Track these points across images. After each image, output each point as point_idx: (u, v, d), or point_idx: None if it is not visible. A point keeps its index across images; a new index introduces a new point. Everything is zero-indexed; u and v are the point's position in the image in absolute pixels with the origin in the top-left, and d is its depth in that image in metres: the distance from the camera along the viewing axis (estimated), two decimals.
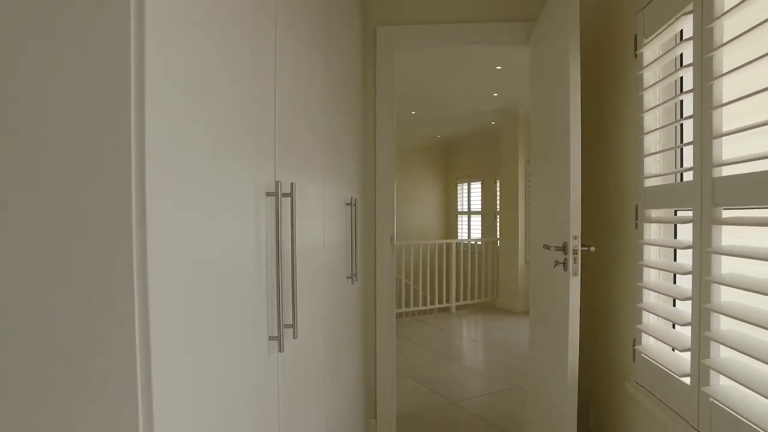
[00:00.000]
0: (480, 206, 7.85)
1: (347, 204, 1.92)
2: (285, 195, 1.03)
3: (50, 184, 0.52)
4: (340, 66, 1.82)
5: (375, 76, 2.52)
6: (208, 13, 0.69)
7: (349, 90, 2.03)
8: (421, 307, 5.92)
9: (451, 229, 8.71)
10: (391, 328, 2.56)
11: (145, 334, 0.53)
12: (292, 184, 1.02)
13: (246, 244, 0.86)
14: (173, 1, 0.59)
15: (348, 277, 1.91)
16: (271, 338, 0.98)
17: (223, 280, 0.75)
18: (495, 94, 5.30)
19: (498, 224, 6.79)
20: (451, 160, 8.67)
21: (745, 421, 1.06)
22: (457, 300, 6.18)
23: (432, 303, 6.03)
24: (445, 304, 6.10)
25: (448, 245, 6.26)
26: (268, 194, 0.97)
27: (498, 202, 6.85)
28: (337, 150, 1.74)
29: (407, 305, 5.94)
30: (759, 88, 1.02)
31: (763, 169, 1.02)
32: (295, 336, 1.05)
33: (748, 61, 1.05)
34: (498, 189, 6.79)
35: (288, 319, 1.05)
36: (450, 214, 8.79)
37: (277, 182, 0.96)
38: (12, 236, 0.52)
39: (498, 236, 6.60)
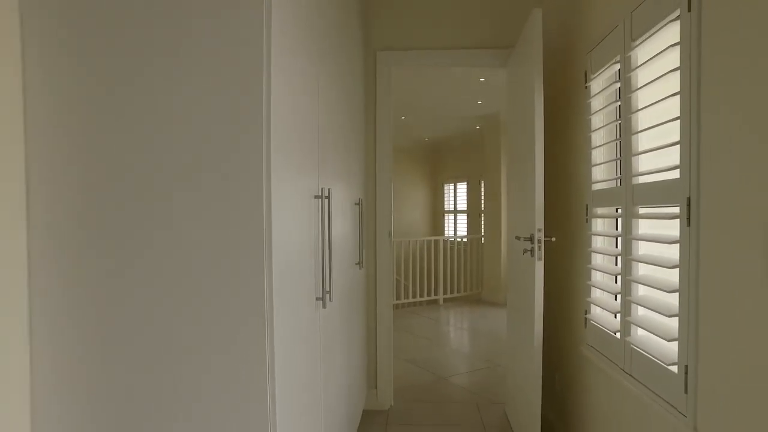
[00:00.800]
0: (465, 205, 8.31)
1: (356, 204, 2.33)
2: (325, 198, 1.44)
3: (218, 188, 0.94)
4: (352, 85, 2.23)
5: (375, 93, 2.94)
6: (290, 81, 1.11)
7: (356, 105, 2.44)
8: (411, 300, 6.35)
9: (438, 227, 9.16)
10: (389, 308, 2.99)
11: (270, 282, 0.95)
12: (329, 189, 1.44)
13: (305, 232, 1.27)
14: (280, 86, 1.01)
15: (357, 263, 2.32)
16: (317, 299, 1.40)
17: (297, 253, 1.17)
18: (479, 102, 5.74)
19: (482, 222, 7.24)
20: (438, 162, 9.12)
21: (651, 357, 1.50)
22: (445, 293, 6.61)
23: (421, 296, 6.46)
24: (433, 297, 6.53)
25: (436, 242, 6.70)
26: (315, 197, 1.39)
27: (482, 201, 7.30)
28: (348, 158, 2.15)
29: (398, 298, 6.35)
30: (658, 122, 1.46)
31: (662, 179, 1.46)
32: (330, 300, 1.47)
33: (651, 103, 1.49)
34: (482, 189, 7.25)
35: (327, 288, 1.47)
36: (437, 213, 9.23)
37: (321, 189, 1.38)
38: (204, 215, 0.94)
39: (482, 234, 7.06)
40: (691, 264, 1.29)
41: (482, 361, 4.00)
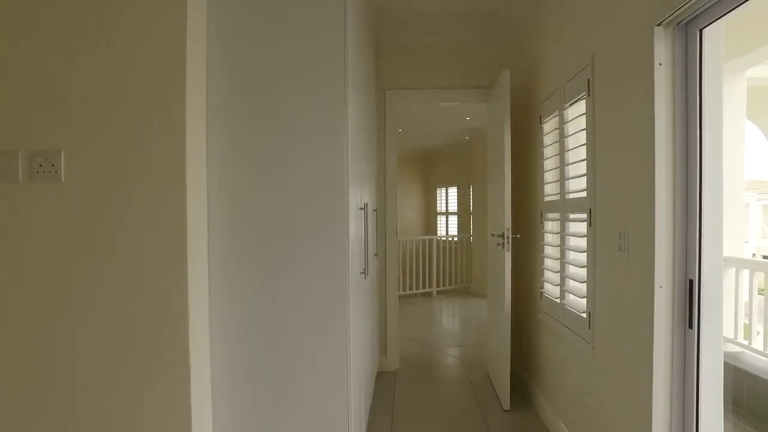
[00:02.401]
0: (456, 207, 9.16)
1: (375, 210, 3.15)
2: (364, 209, 2.26)
3: (321, 203, 1.76)
4: (369, 116, 3.04)
5: (385, 123, 3.75)
6: (353, 136, 1.94)
7: (372, 131, 3.25)
8: (408, 292, 7.17)
9: (431, 227, 10.00)
10: (395, 290, 3.82)
11: (347, 260, 1.78)
12: (366, 203, 2.25)
13: (355, 231, 2.09)
14: (350, 141, 1.84)
15: (375, 254, 3.14)
16: (361, 272, 2.22)
17: (355, 243, 1.99)
18: (467, 118, 6.58)
19: (471, 223, 8.08)
20: (431, 168, 9.97)
21: (574, 311, 2.33)
22: (438, 286, 7.45)
23: (416, 288, 7.29)
24: (427, 289, 7.37)
25: (430, 240, 7.54)
26: (360, 209, 2.20)
27: (471, 204, 8.14)
28: (370, 173, 2.96)
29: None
30: (577, 160, 2.29)
31: (578, 197, 2.29)
32: (367, 275, 2.29)
33: (574, 147, 2.32)
34: (471, 193, 8.09)
35: (365, 267, 2.28)
36: (430, 214, 10.07)
37: (363, 203, 2.20)
38: (304, 220, 1.76)
39: (471, 233, 7.90)
40: (589, 249, 2.13)
41: (469, 338, 4.84)
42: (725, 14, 1.43)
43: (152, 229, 1.65)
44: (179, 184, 1.65)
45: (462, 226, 8.96)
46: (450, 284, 7.62)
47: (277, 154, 1.80)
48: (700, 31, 1.55)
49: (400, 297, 7.23)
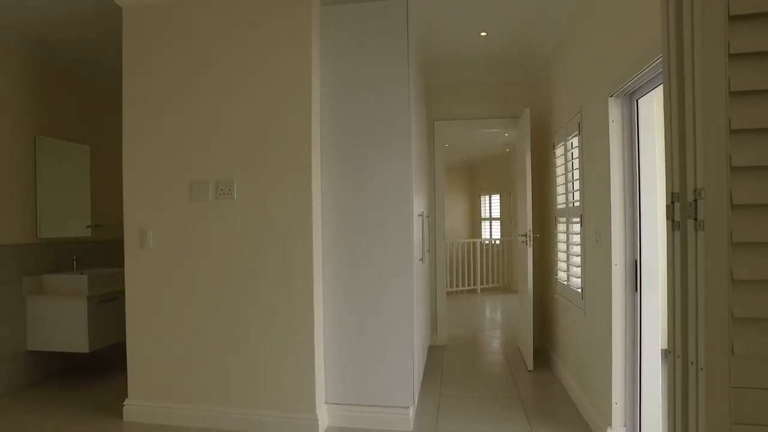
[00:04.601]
0: (499, 214, 9.97)
1: (427, 216, 4.12)
2: (420, 216, 3.23)
3: (394, 212, 2.76)
4: (423, 142, 4.02)
5: (434, 147, 4.72)
6: (416, 157, 2.93)
7: (425, 153, 4.23)
8: (454, 289, 8.07)
9: (476, 231, 10.85)
10: (444, 280, 4.75)
11: (412, 251, 2.77)
12: (423, 211, 3.24)
13: (416, 231, 3.08)
14: (415, 159, 2.84)
15: (427, 250, 4.11)
16: (419, 259, 3.19)
17: (416, 239, 2.98)
18: (506, 134, 7.43)
19: (512, 227, 8.88)
20: (475, 178, 10.84)
21: (574, 289, 3.20)
22: (481, 284, 8.31)
23: (462, 285, 8.17)
24: (472, 287, 8.24)
25: (474, 243, 8.41)
26: (418, 216, 3.18)
27: (511, 210, 8.95)
28: (424, 187, 3.93)
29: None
30: (575, 179, 3.17)
31: (576, 206, 3.17)
32: (423, 261, 3.26)
33: (575, 169, 3.21)
34: (511, 201, 8.89)
35: (422, 255, 3.26)
36: (475, 220, 10.93)
37: (421, 211, 3.19)
38: (383, 222, 2.77)
39: (512, 237, 8.70)
40: (581, 244, 3.01)
41: (506, 325, 5.71)
42: (651, 90, 2.30)
43: (291, 228, 2.70)
44: (307, 199, 2.70)
45: (504, 231, 9.77)
46: (493, 282, 8.46)
47: (365, 174, 2.81)
48: (637, 101, 2.43)
49: (448, 293, 8.18)
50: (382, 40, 2.82)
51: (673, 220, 1.07)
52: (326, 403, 2.87)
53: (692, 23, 0.99)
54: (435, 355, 4.38)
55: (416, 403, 3.01)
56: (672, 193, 1.07)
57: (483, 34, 3.69)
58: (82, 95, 4.27)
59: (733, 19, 0.94)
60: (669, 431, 1.09)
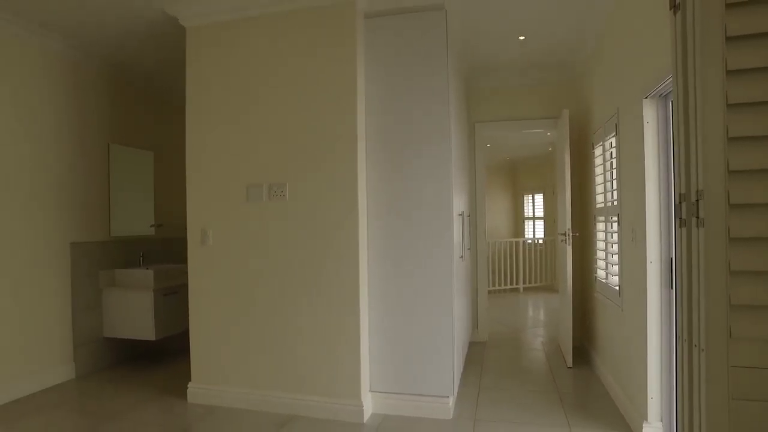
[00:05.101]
0: (542, 213, 9.92)
1: (468, 216, 4.26)
2: (461, 215, 3.37)
3: (429, 199, 2.93)
4: (463, 142, 4.16)
5: (474, 150, 4.84)
6: (456, 157, 3.08)
7: (465, 154, 4.36)
8: (497, 288, 8.12)
9: (519, 230, 10.81)
10: (485, 278, 4.86)
11: (452, 250, 2.93)
12: (463, 211, 3.38)
13: (456, 229, 3.22)
14: (454, 160, 2.99)
15: (468, 248, 4.24)
16: (460, 257, 3.34)
17: (458, 240, 3.13)
18: (548, 134, 7.42)
19: (555, 227, 8.83)
20: (518, 177, 10.80)
21: (612, 287, 3.26)
22: (524, 283, 8.32)
23: (505, 285, 8.21)
24: (514, 286, 8.27)
25: (516, 243, 8.43)
26: (458, 215, 3.33)
27: (554, 210, 8.90)
28: (465, 187, 4.07)
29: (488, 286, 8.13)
30: (614, 179, 3.23)
31: (614, 205, 3.23)
32: (463, 259, 3.41)
33: (613, 168, 3.27)
34: (556, 200, 8.85)
35: (462, 253, 3.40)
36: (518, 219, 10.89)
37: (461, 211, 3.33)
38: (426, 223, 2.93)
39: (555, 236, 8.64)
40: (618, 242, 3.08)
41: (547, 323, 5.74)
42: None
43: (338, 225, 2.92)
44: (353, 199, 2.90)
45: (548, 230, 9.71)
46: (536, 282, 8.45)
47: (407, 175, 2.99)
48: (671, 102, 2.49)
49: (490, 292, 8.23)
50: (423, 47, 2.99)
51: (680, 218, 1.19)
52: (371, 391, 3.07)
53: (694, 44, 1.11)
54: (476, 351, 4.51)
55: (456, 393, 3.16)
56: (679, 194, 1.19)
57: (521, 38, 3.79)
58: (147, 105, 4.66)
59: (730, 39, 1.06)
60: (678, 407, 1.21)
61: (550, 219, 9.57)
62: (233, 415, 3.03)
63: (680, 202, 1.20)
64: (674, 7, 1.20)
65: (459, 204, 3.46)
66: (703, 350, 1.09)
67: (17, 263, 3.36)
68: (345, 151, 2.94)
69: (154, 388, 3.55)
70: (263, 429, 2.83)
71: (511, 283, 8.28)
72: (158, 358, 4.34)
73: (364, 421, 2.91)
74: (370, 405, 3.04)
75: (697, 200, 1.11)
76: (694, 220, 1.13)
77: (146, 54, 3.93)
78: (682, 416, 1.19)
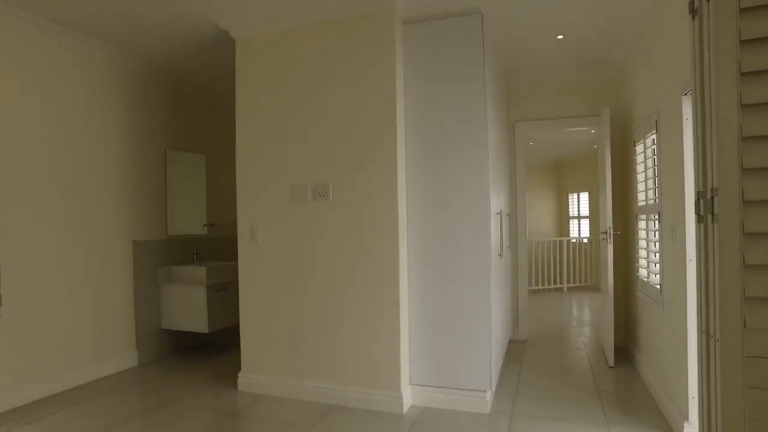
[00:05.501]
0: (588, 212, 9.72)
1: (507, 215, 4.29)
2: (499, 214, 3.43)
3: (466, 198, 3.01)
4: (502, 140, 4.20)
5: (515, 148, 4.86)
6: (493, 155, 3.15)
7: (505, 153, 4.40)
8: (540, 287, 8.05)
9: (563, 229, 10.63)
10: (525, 276, 4.87)
11: (489, 247, 3.00)
12: (501, 209, 3.43)
13: (494, 227, 3.29)
14: (492, 160, 3.06)
15: (508, 247, 4.28)
16: (499, 255, 3.40)
17: (496, 238, 3.20)
18: (592, 131, 7.29)
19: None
20: (562, 175, 10.62)
21: (654, 285, 3.24)
22: (568, 282, 8.20)
23: (548, 284, 8.12)
24: (558, 285, 8.16)
25: (560, 242, 8.31)
26: (496, 214, 3.39)
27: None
28: (505, 187, 4.11)
29: (530, 285, 8.06)
30: (655, 176, 3.20)
31: (655, 203, 3.20)
32: (501, 257, 3.46)
33: (653, 166, 3.24)
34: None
35: (500, 251, 3.46)
36: (563, 218, 10.71)
37: (499, 209, 3.39)
38: (464, 221, 3.02)
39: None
40: (659, 241, 3.05)
41: (590, 323, 5.67)
42: None
43: (379, 223, 3.04)
44: (393, 198, 3.02)
45: (593, 229, 9.51)
46: (580, 281, 8.31)
47: (445, 175, 3.08)
48: None
49: (533, 291, 8.18)
50: (460, 50, 3.07)
51: (699, 215, 1.24)
52: (410, 384, 3.18)
53: (710, 47, 1.17)
54: (516, 349, 4.53)
55: (494, 388, 3.22)
56: (697, 192, 1.25)
57: (559, 37, 3.80)
58: (199, 111, 4.96)
59: (744, 42, 1.11)
60: (697, 395, 1.27)
61: (595, 218, 9.37)
62: (279, 403, 3.21)
63: (698, 199, 1.25)
64: (693, 11, 1.26)
65: (497, 203, 3.52)
66: (718, 340, 1.14)
67: (91, 260, 3.70)
68: (385, 151, 3.06)
69: (207, 376, 3.80)
70: (307, 417, 2.99)
71: (555, 283, 8.18)
72: (211, 350, 4.61)
73: (404, 413, 3.03)
74: (409, 397, 3.15)
75: (713, 197, 1.17)
76: (709, 216, 1.18)
77: (199, 64, 4.20)
78: (701, 404, 1.24)
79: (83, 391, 3.46)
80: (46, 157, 3.41)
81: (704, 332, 1.23)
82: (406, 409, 3.07)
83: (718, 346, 1.16)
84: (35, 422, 2.94)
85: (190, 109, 4.82)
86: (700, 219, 1.25)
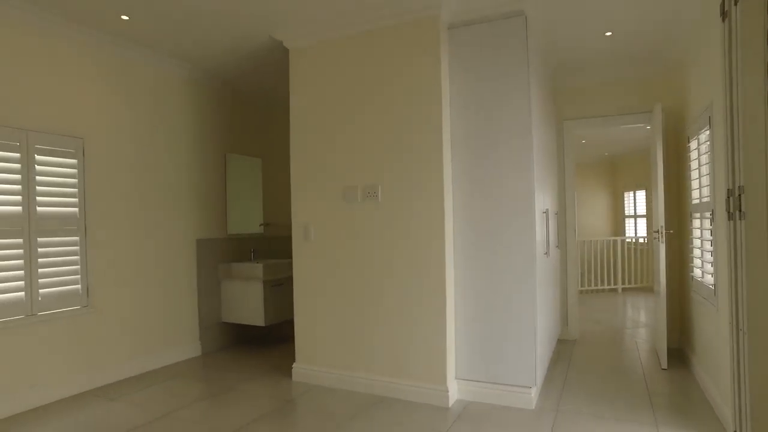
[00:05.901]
0: (645, 210, 9.38)
1: (555, 213, 4.28)
2: (545, 213, 3.46)
3: (511, 196, 3.06)
4: (549, 140, 4.20)
5: (564, 147, 4.83)
6: (538, 157, 3.19)
7: (552, 152, 4.39)
8: (594, 288, 7.87)
9: (619, 229, 10.31)
10: (575, 275, 4.83)
11: (534, 246, 3.05)
12: (547, 209, 3.46)
13: (540, 226, 3.32)
14: (537, 158, 3.11)
15: (556, 246, 4.27)
16: (545, 253, 3.43)
17: (539, 234, 3.23)
18: (647, 127, 7.06)
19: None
20: (617, 173, 10.30)
21: (708, 285, 3.16)
22: (623, 283, 7.97)
23: (602, 285, 7.93)
24: (612, 286, 7.95)
25: (615, 242, 8.09)
26: (542, 213, 3.42)
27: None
28: (553, 186, 4.11)
29: (582, 285, 7.92)
30: (706, 174, 3.13)
31: (707, 201, 3.13)
32: (548, 255, 3.48)
33: (707, 162, 3.17)
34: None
35: (547, 250, 3.48)
36: (618, 217, 10.38)
37: (546, 208, 3.42)
38: (509, 219, 3.07)
39: None
40: (714, 240, 2.99)
41: (644, 323, 5.52)
42: None
43: (426, 222, 3.15)
44: (439, 198, 3.12)
45: (650, 228, 9.17)
46: (636, 282, 8.05)
47: (491, 174, 3.15)
48: None
49: (585, 291, 8.00)
50: (504, 52, 3.13)
51: (729, 212, 1.28)
52: (456, 378, 3.27)
53: (737, 48, 1.22)
54: (565, 348, 4.51)
55: (540, 385, 3.26)
56: (728, 190, 1.29)
57: (608, 34, 3.76)
58: (255, 117, 5.25)
59: None
60: (731, 387, 1.31)
61: (651, 217, 9.04)
62: (330, 393, 3.39)
63: (728, 197, 1.29)
64: (723, 14, 1.30)
65: (544, 201, 3.54)
66: (745, 333, 1.19)
67: (161, 256, 4.04)
68: (431, 152, 3.17)
69: (263, 366, 4.05)
70: (356, 407, 3.15)
71: (609, 283, 7.97)
72: (268, 342, 4.88)
73: (449, 406, 3.12)
74: (455, 391, 3.24)
75: (740, 195, 1.21)
76: (737, 213, 1.23)
77: (254, 72, 4.46)
78: (733, 394, 1.28)
79: (156, 375, 3.80)
80: (127, 165, 3.76)
81: (734, 326, 1.28)
82: (451, 402, 3.16)
83: (745, 339, 1.20)
84: (119, 399, 3.30)
85: (246, 114, 5.11)
86: (730, 216, 1.29)
